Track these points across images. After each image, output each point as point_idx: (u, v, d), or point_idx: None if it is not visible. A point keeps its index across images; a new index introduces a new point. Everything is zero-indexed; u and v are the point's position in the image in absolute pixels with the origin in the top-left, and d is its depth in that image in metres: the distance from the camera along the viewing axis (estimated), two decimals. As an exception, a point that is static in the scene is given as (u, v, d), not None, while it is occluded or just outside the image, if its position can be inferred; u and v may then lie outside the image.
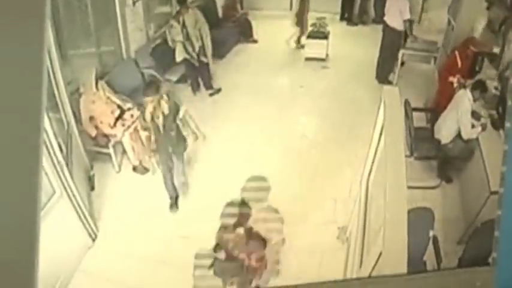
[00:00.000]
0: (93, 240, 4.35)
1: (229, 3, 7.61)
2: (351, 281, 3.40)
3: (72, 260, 4.09)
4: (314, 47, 7.02)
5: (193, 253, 3.13)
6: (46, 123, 3.69)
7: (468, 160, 4.87)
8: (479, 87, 4.88)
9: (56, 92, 4.39)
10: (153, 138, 4.45)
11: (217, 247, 3.21)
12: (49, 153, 3.75)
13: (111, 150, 4.94)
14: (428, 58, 6.55)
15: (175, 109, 4.43)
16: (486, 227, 3.65)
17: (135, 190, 4.85)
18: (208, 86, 6.30)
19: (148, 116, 4.33)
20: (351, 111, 5.90)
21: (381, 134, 3.58)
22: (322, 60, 7.02)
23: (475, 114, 4.87)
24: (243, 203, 4.02)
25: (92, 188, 4.77)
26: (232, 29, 7.34)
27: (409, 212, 2.77)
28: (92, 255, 4.26)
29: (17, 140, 1.48)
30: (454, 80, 5.34)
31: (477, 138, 4.79)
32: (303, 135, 5.67)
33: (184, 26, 5.94)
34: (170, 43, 6.03)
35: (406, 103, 5.11)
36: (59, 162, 3.88)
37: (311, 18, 7.29)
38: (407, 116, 5.04)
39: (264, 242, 3.20)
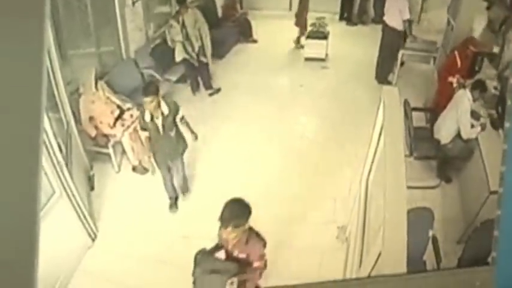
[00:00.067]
0: (93, 240, 4.35)
1: (229, 3, 7.62)
2: (351, 280, 3.40)
3: (72, 260, 4.09)
4: (313, 47, 7.04)
5: (193, 253, 3.13)
6: (46, 123, 3.69)
7: (467, 160, 4.87)
8: (479, 87, 4.87)
9: (55, 92, 4.39)
10: (152, 138, 4.44)
11: (217, 247, 3.21)
12: (49, 153, 3.75)
13: (110, 150, 4.95)
14: (428, 58, 6.56)
15: (174, 109, 4.41)
16: (485, 227, 3.67)
17: (135, 190, 4.86)
18: (208, 86, 6.30)
19: (148, 116, 4.32)
20: (350, 111, 5.91)
21: (380, 133, 3.58)
22: (322, 60, 7.04)
23: (474, 114, 4.88)
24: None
25: (92, 188, 4.78)
26: (231, 28, 7.34)
27: (408, 211, 2.76)
28: (92, 255, 4.26)
29: (16, 140, 1.48)
30: (453, 80, 5.35)
31: (476, 138, 4.79)
32: (302, 135, 5.68)
33: (183, 26, 5.93)
34: (170, 43, 6.04)
35: (406, 103, 5.11)
36: (58, 162, 3.88)
37: (310, 18, 7.30)
38: (407, 116, 5.04)
39: (263, 241, 3.19)
